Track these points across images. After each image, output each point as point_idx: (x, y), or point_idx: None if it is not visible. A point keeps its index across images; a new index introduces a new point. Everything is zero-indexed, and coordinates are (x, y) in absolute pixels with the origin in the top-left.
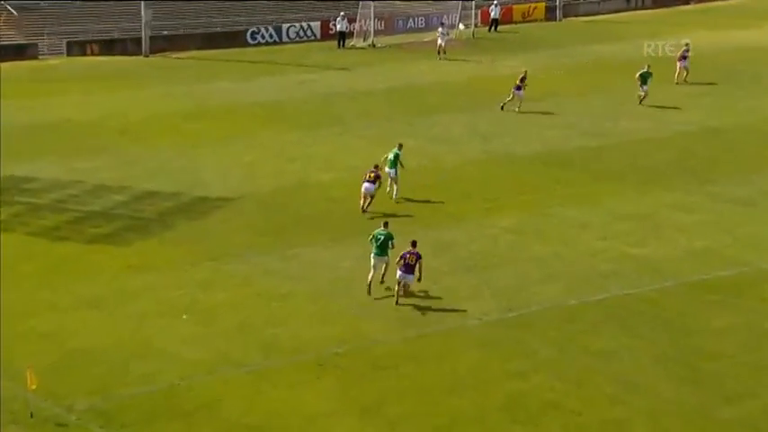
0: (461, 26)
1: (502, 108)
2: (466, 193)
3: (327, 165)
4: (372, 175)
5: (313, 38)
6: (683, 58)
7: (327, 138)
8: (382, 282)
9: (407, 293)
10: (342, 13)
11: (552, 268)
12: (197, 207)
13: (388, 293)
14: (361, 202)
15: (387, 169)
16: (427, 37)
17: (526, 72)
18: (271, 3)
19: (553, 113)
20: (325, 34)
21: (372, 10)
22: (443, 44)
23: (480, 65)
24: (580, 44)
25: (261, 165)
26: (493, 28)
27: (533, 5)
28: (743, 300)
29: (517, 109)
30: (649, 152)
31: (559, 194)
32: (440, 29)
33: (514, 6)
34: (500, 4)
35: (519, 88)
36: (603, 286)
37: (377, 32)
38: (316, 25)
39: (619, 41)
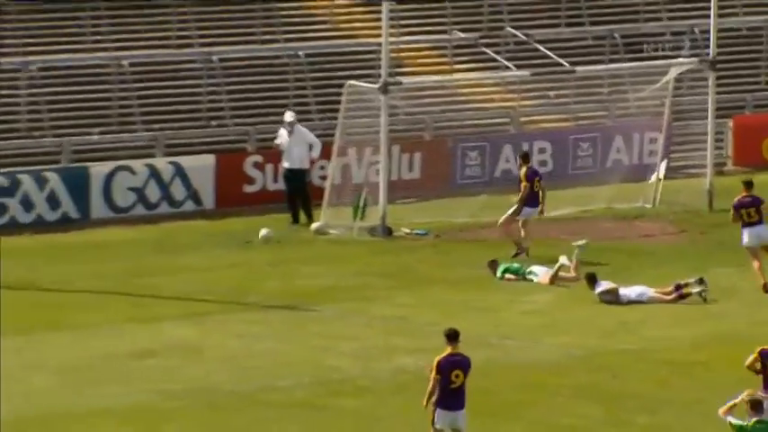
0: (662, 170)
1: None
2: None
3: None
4: None
5: (193, 205)
6: None
7: None
8: None
9: None
10: (289, 116)
11: None
12: None
13: None
14: None
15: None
16: (566, 205)
17: None
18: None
19: None
20: (228, 198)
21: (382, 118)
22: (573, 262)
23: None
24: None
25: None
26: None
27: None
28: None
29: None
30: None
31: None
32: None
33: None
34: None
35: None
36: None
37: (399, 188)
38: (200, 167)
39: None
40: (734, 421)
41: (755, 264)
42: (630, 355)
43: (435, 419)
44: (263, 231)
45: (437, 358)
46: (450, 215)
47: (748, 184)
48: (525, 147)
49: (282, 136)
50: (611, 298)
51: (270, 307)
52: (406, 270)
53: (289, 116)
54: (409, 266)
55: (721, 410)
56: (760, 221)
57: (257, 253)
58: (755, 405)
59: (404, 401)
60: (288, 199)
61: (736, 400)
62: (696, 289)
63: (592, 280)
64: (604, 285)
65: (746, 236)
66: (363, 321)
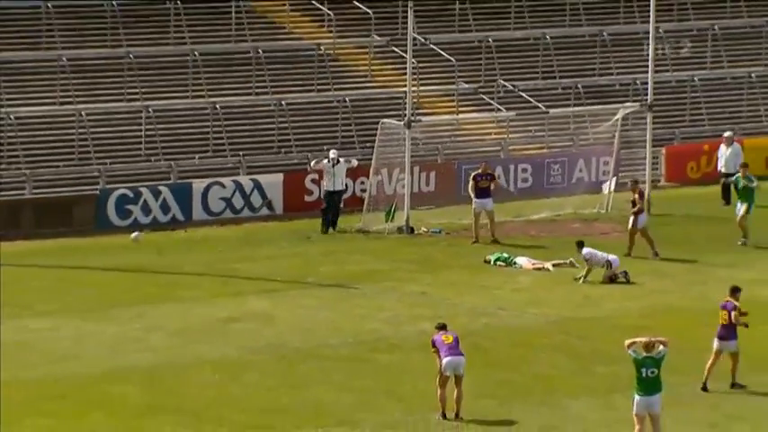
0: (613, 184)
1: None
2: None
3: None
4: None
5: (267, 210)
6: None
7: None
8: None
9: None
10: (332, 153)
11: None
12: None
13: None
14: None
15: None
16: (543, 210)
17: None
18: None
19: None
20: (293, 205)
21: (407, 146)
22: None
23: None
24: None
25: None
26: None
27: None
28: None
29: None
30: None
31: None
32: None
33: None
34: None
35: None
36: None
37: (419, 198)
38: (273, 182)
39: None
40: (632, 354)
41: (478, 224)
42: (593, 322)
43: (443, 367)
44: (134, 234)
45: (430, 339)
46: (456, 218)
47: (486, 163)
48: (511, 168)
49: (323, 163)
50: (588, 255)
51: (324, 285)
52: (425, 258)
53: (332, 153)
54: (428, 256)
55: (627, 342)
56: (489, 194)
57: (315, 246)
58: (648, 345)
59: (425, 356)
60: (323, 212)
61: (638, 340)
62: (621, 270)
63: (580, 245)
64: (586, 251)
65: (476, 203)
66: (395, 296)
